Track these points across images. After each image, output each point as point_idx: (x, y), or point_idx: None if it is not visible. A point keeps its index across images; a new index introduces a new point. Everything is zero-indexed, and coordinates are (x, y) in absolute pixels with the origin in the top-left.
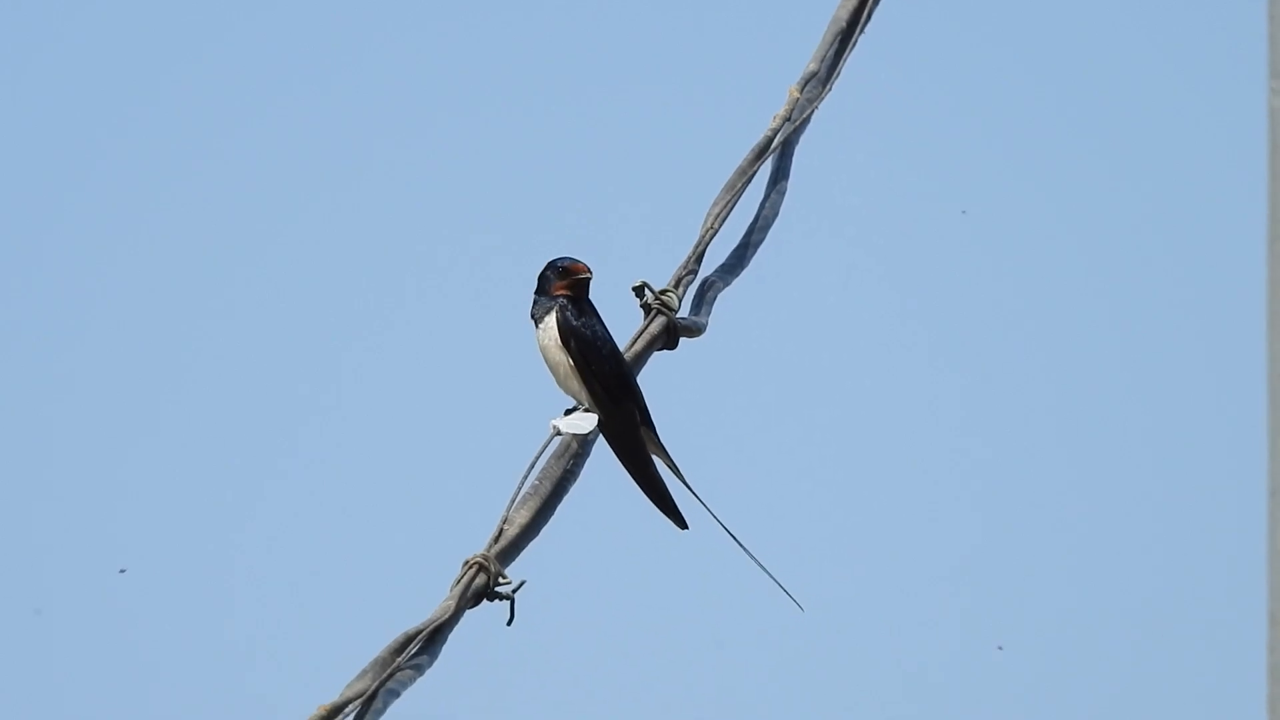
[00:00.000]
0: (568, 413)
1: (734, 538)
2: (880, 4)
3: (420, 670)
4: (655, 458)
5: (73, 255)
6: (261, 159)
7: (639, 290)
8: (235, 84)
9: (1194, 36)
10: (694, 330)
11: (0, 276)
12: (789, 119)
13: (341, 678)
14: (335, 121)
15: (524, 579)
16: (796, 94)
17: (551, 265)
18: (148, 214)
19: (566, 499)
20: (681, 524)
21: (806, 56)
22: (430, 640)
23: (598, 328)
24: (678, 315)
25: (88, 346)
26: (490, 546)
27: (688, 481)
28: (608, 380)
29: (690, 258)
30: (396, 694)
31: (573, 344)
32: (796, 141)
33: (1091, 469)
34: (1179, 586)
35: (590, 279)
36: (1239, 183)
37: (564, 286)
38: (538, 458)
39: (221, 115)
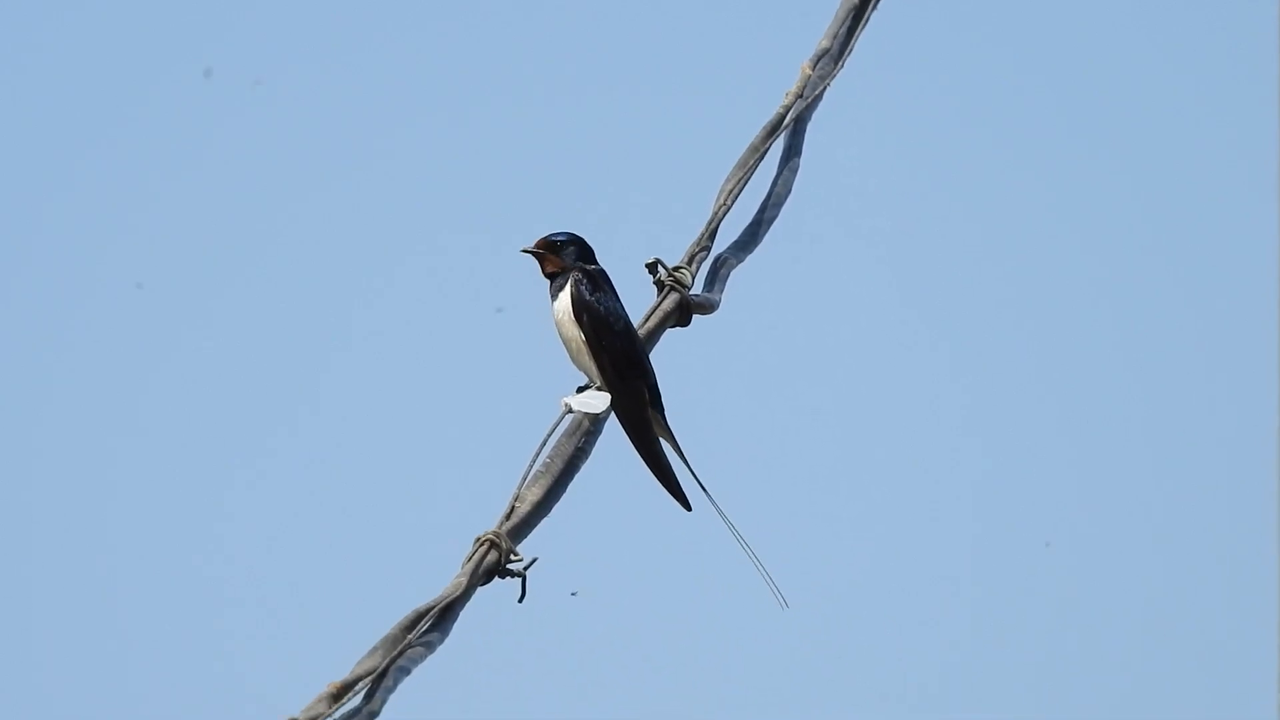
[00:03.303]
0: (580, 390)
1: (731, 528)
2: None
3: (431, 647)
4: (662, 439)
5: (72, 254)
6: (281, 147)
7: (652, 267)
8: (236, 82)
9: (1208, 29)
10: (707, 307)
11: None
12: (801, 96)
13: (352, 655)
14: (357, 101)
15: (535, 556)
16: (809, 71)
17: None
18: (150, 212)
19: (578, 477)
20: (686, 505)
21: (819, 34)
22: (441, 617)
23: (611, 303)
24: (691, 292)
25: (102, 338)
26: (502, 524)
27: (691, 467)
28: (618, 357)
29: (703, 234)
30: (407, 671)
31: (585, 318)
32: (809, 118)
33: (1101, 460)
34: (1187, 582)
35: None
36: (1250, 177)
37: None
38: (549, 435)
39: (222, 113)
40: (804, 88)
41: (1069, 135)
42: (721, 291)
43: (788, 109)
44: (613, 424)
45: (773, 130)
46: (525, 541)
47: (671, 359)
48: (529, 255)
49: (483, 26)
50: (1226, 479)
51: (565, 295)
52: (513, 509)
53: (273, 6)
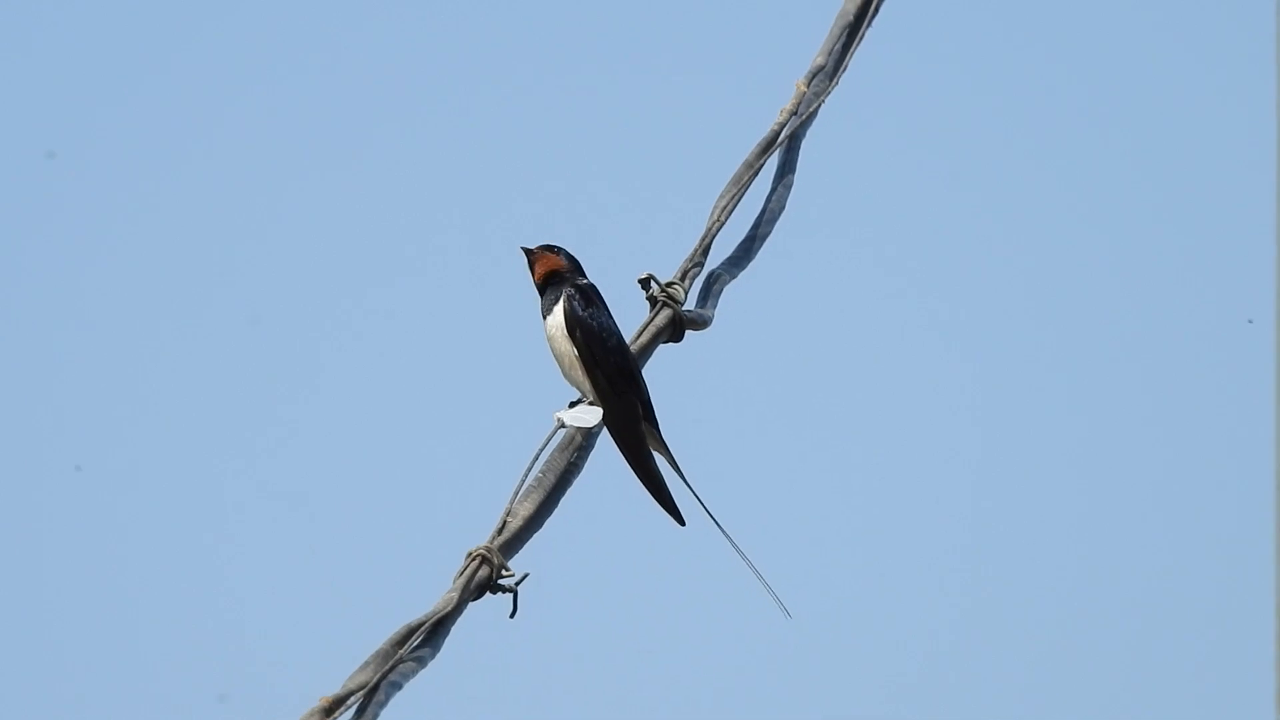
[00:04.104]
0: (572, 405)
1: (729, 539)
2: None
3: (422, 662)
4: (656, 453)
5: (67, 253)
6: (269, 154)
7: (645, 283)
8: (226, 77)
9: (1203, 29)
10: (700, 323)
11: None
12: (796, 113)
13: (344, 669)
14: (352, 109)
15: (527, 571)
16: (803, 88)
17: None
18: (149, 210)
19: (570, 492)
20: (680, 520)
21: (813, 51)
22: (433, 632)
23: (604, 319)
24: (684, 308)
25: (100, 336)
26: (493, 538)
27: (687, 479)
28: (611, 372)
29: (696, 250)
30: (399, 686)
31: (578, 334)
32: (803, 135)
33: (1097, 457)
34: (1186, 575)
35: (528, 259)
36: (1249, 172)
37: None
38: (541, 450)
39: (214, 109)
40: (799, 104)
41: (1066, 149)
42: (715, 307)
43: (782, 125)
44: (605, 439)
45: (767, 147)
46: (517, 557)
47: (664, 375)
48: (523, 257)
49: (477, 38)
50: (1234, 466)
51: (558, 311)
52: (504, 524)
53: (254, 8)
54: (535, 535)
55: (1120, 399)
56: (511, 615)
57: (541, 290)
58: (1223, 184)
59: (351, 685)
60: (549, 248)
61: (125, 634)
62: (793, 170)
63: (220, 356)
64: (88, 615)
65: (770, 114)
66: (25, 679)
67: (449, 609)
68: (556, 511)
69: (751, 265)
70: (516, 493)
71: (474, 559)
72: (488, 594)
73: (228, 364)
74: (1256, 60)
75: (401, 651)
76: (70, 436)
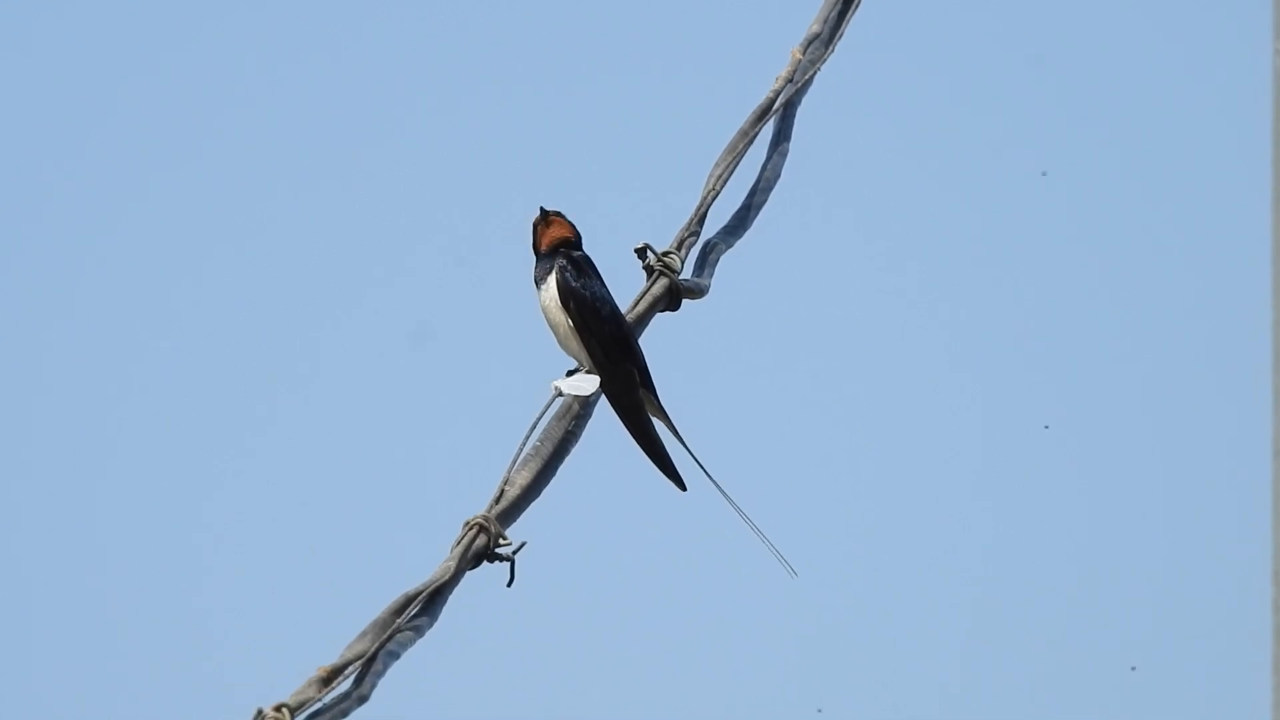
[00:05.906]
0: (569, 374)
1: (730, 501)
2: None
3: (420, 631)
4: (655, 419)
5: (59, 251)
6: (269, 139)
7: (641, 252)
8: (212, 75)
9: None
10: (696, 292)
11: None
12: (791, 80)
13: (342, 639)
14: (341, 90)
15: (524, 540)
16: (799, 56)
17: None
18: (130, 206)
19: (567, 460)
20: (681, 486)
21: (809, 18)
22: (430, 601)
23: (597, 288)
24: (680, 277)
25: (89, 331)
26: (491, 508)
27: (687, 444)
28: (606, 341)
29: (692, 219)
30: (396, 655)
31: (572, 305)
32: (799, 103)
33: (1088, 434)
34: (1183, 554)
35: (537, 220)
36: (1243, 143)
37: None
38: (539, 419)
39: (196, 105)
40: (794, 72)
41: (1060, 119)
42: (711, 276)
43: (777, 93)
44: (603, 407)
45: (762, 115)
46: (514, 526)
47: (661, 343)
48: (538, 220)
49: (472, 5)
50: (1229, 441)
51: (551, 282)
52: (502, 493)
53: (243, 6)
54: (533, 504)
55: (1113, 364)
56: (509, 584)
57: (539, 257)
58: (1222, 153)
59: (349, 655)
60: (560, 215)
61: (124, 605)
62: (788, 138)
63: (215, 329)
64: (88, 588)
65: (766, 82)
66: (18, 655)
67: (446, 578)
68: (554, 480)
69: (747, 234)
70: (514, 462)
71: (471, 528)
72: (485, 563)
73: (223, 336)
74: (1256, 36)
75: (399, 621)
76: (84, 400)
